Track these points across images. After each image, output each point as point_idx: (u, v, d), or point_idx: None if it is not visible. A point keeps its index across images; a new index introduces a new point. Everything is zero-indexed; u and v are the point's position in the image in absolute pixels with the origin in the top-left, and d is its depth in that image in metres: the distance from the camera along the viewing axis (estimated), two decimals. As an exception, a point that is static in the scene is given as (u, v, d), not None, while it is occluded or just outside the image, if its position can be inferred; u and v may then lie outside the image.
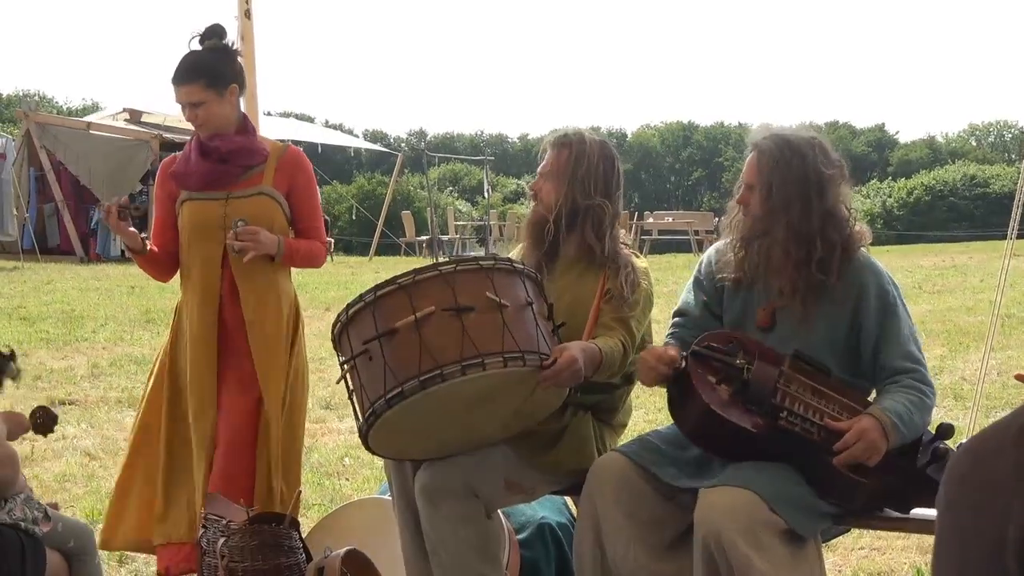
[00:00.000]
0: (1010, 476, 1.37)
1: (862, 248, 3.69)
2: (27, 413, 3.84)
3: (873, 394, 3.65)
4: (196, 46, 4.40)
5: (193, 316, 4.45)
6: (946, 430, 3.58)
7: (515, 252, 4.15)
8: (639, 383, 3.83)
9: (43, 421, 3.87)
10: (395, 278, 3.49)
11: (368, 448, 3.62)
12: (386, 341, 3.41)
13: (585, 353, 3.59)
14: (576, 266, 3.97)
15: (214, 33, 4.42)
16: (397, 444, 3.67)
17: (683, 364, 3.55)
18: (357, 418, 3.57)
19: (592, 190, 3.92)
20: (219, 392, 4.43)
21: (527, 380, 3.48)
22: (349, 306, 3.53)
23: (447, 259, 3.84)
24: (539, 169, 4.04)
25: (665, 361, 3.58)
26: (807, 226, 3.60)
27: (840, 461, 3.40)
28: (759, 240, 3.67)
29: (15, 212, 20.52)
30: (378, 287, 3.49)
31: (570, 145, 3.96)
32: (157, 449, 4.50)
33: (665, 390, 3.69)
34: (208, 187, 4.41)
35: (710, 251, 3.96)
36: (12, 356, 3.77)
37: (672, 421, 3.72)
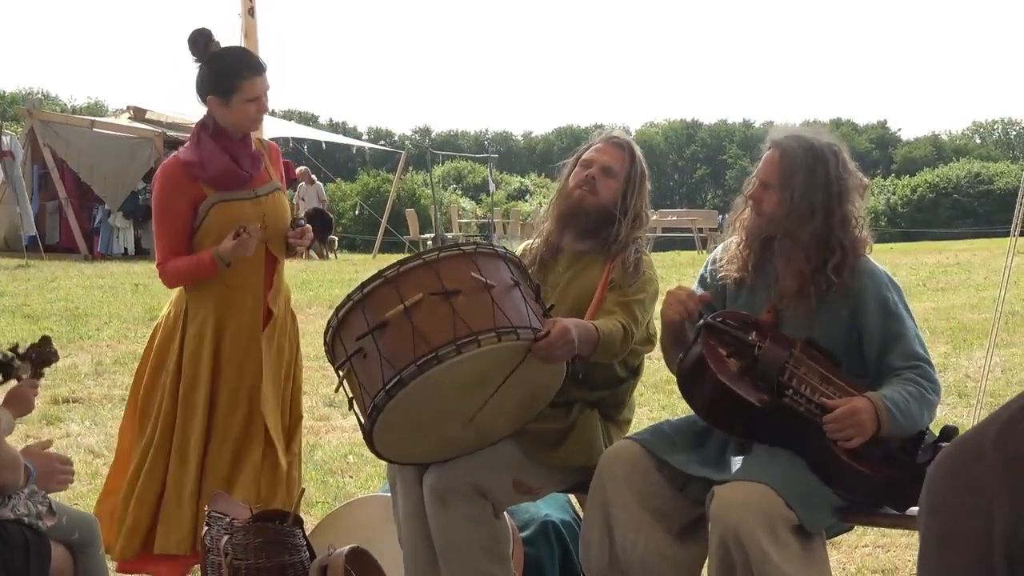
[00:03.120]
0: (993, 477, 1.38)
1: (865, 255, 3.70)
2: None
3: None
4: (201, 44, 4.36)
5: (235, 317, 4.45)
6: (951, 432, 3.59)
7: (522, 246, 4.20)
8: (661, 316, 3.82)
9: (37, 357, 3.83)
10: (380, 272, 3.52)
11: (373, 449, 3.60)
12: (379, 335, 3.42)
13: (579, 328, 3.61)
14: (583, 258, 4.03)
15: (204, 36, 4.40)
16: (402, 443, 3.66)
17: (698, 326, 3.58)
18: (360, 423, 3.57)
19: (638, 191, 4.04)
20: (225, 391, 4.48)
21: (522, 357, 3.48)
22: (338, 309, 3.55)
23: (429, 248, 3.88)
24: (597, 159, 4.03)
25: (695, 300, 3.65)
26: (827, 233, 3.63)
27: (827, 430, 3.43)
28: (779, 241, 3.68)
29: (17, 209, 20.49)
30: (365, 283, 3.51)
31: (626, 147, 4.06)
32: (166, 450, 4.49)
33: (673, 383, 3.72)
34: (238, 187, 4.43)
35: (718, 249, 3.98)
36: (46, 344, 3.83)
37: (681, 411, 3.74)
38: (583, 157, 4.07)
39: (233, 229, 4.33)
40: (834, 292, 3.64)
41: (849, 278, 3.64)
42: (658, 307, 3.99)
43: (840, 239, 3.63)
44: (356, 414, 3.61)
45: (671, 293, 3.71)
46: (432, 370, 3.34)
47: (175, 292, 4.57)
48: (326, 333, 3.62)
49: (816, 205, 3.62)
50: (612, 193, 4.00)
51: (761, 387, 3.51)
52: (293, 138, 24.90)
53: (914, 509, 3.59)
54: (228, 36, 4.57)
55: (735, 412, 3.53)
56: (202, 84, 4.39)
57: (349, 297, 3.53)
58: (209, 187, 4.39)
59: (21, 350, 3.77)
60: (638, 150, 4.10)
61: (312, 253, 23.21)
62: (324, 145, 26.11)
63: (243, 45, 6.07)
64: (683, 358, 3.64)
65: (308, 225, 4.52)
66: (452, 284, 3.43)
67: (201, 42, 4.36)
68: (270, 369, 4.48)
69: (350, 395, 3.59)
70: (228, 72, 4.35)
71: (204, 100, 4.39)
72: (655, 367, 4.09)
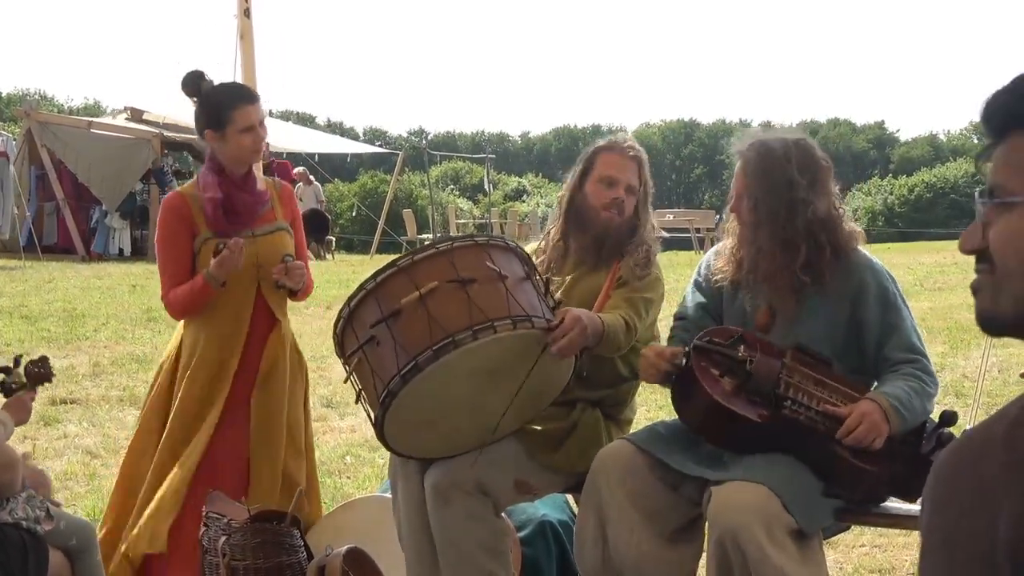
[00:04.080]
0: (999, 476, 1.36)
1: (859, 247, 3.70)
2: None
3: (875, 386, 3.67)
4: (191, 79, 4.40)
5: (213, 352, 4.42)
6: (949, 417, 3.62)
7: (530, 248, 4.21)
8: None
9: (38, 372, 3.86)
10: (394, 261, 3.53)
11: (382, 439, 3.58)
12: (392, 322, 3.42)
13: (587, 318, 3.62)
14: (591, 259, 4.05)
15: (196, 75, 4.44)
16: (412, 435, 3.65)
17: (684, 361, 3.57)
18: (370, 414, 3.56)
19: (648, 198, 4.11)
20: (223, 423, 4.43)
21: (535, 346, 3.49)
22: (350, 299, 3.54)
23: (442, 237, 3.87)
24: (621, 179, 4.02)
25: (665, 358, 3.62)
26: (792, 231, 3.62)
27: (848, 442, 3.42)
28: (747, 248, 3.70)
29: (15, 211, 20.47)
30: (378, 272, 3.51)
31: (641, 160, 4.08)
32: (144, 474, 4.42)
33: (668, 387, 3.71)
34: (234, 226, 4.40)
35: (710, 252, 4.01)
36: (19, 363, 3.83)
37: (678, 417, 3.74)
38: (604, 173, 4.02)
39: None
40: (826, 288, 3.64)
41: (835, 274, 3.64)
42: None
43: (811, 236, 3.62)
44: (364, 407, 3.60)
45: (642, 356, 3.69)
46: (448, 355, 3.33)
47: (179, 327, 4.57)
48: (336, 324, 3.61)
49: (777, 205, 3.62)
50: (632, 208, 4.04)
51: (758, 402, 3.50)
52: (289, 150, 24.87)
53: (918, 507, 3.61)
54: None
55: (733, 429, 3.52)
56: (199, 121, 4.43)
57: (362, 286, 3.52)
58: (203, 223, 4.39)
59: (19, 366, 3.80)
60: (646, 157, 4.13)
61: (309, 254, 23.19)
62: (317, 157, 26.07)
63: (239, 46, 6.06)
64: (676, 381, 3.64)
65: (296, 262, 4.42)
66: (467, 273, 3.44)
67: (194, 82, 4.41)
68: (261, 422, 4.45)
69: (359, 387, 3.58)
70: (220, 104, 4.38)
71: (203, 137, 4.42)
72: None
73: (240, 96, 4.45)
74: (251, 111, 4.39)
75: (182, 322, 4.55)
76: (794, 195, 3.61)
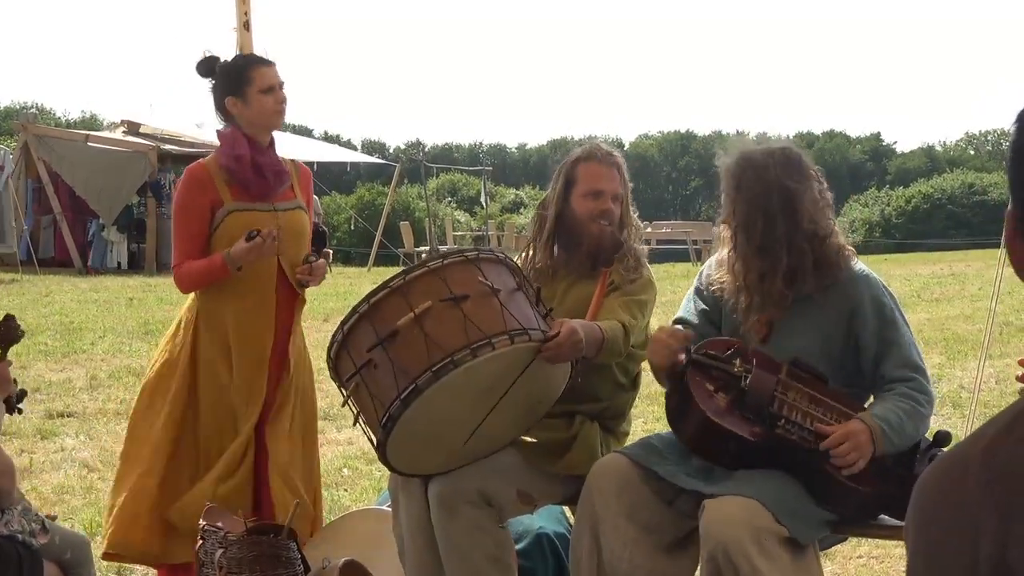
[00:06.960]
0: (978, 495, 1.37)
1: (853, 260, 3.69)
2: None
3: (870, 401, 3.66)
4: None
5: (242, 328, 4.41)
6: (943, 437, 3.59)
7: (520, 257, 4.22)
8: (649, 363, 3.77)
9: (4, 332, 3.81)
10: (386, 282, 3.51)
11: (385, 461, 3.57)
12: (389, 344, 3.40)
13: (585, 328, 3.62)
14: (580, 267, 4.04)
15: (211, 59, 4.49)
16: (415, 454, 3.64)
17: (689, 358, 3.55)
18: (370, 437, 3.55)
19: (629, 200, 4.11)
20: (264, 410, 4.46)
21: (532, 358, 3.49)
22: (344, 322, 3.53)
23: (432, 255, 3.87)
24: (607, 189, 4.02)
25: (679, 339, 3.60)
26: (769, 239, 3.59)
27: (829, 449, 3.41)
28: (742, 250, 3.69)
29: (13, 224, 20.46)
30: (371, 294, 3.50)
31: (620, 164, 4.09)
32: (179, 456, 4.44)
33: (664, 397, 3.71)
34: (257, 198, 4.41)
35: (711, 260, 3.99)
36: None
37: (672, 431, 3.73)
38: (590, 187, 4.00)
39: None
40: (821, 302, 3.63)
41: (831, 288, 3.62)
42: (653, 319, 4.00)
43: (792, 245, 3.59)
44: (364, 429, 3.58)
45: (654, 338, 3.67)
46: (448, 375, 3.33)
47: (188, 299, 4.53)
48: (330, 348, 3.58)
49: (754, 215, 3.60)
50: (620, 214, 4.04)
51: (752, 419, 3.48)
52: (289, 158, 24.88)
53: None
54: (223, 50, 4.57)
55: (725, 446, 3.51)
56: (218, 94, 4.43)
57: (355, 310, 3.51)
58: (228, 194, 4.38)
59: None
60: (623, 161, 4.13)
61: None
62: (315, 167, 26.12)
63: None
64: (669, 394, 3.64)
65: (320, 261, 4.48)
66: (460, 290, 3.44)
67: (209, 64, 4.44)
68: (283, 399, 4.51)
69: (356, 410, 3.57)
70: (237, 69, 4.41)
71: (225, 109, 4.41)
72: (650, 378, 4.09)
73: (257, 60, 4.49)
74: (269, 72, 4.41)
75: (191, 299, 4.52)
76: (770, 204, 3.58)
